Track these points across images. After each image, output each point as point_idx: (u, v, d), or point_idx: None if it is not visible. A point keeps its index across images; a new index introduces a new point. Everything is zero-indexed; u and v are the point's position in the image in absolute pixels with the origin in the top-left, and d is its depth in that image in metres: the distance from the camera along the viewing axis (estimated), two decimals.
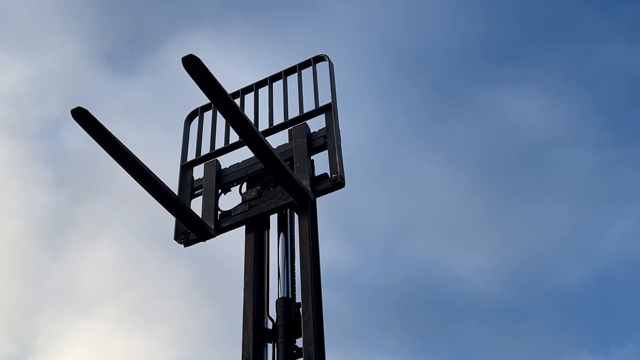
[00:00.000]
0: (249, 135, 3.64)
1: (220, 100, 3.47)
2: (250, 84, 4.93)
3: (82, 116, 3.51)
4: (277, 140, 4.60)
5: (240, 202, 4.33)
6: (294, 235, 4.19)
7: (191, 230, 4.18)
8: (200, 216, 4.33)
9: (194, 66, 3.31)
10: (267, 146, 3.70)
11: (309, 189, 4.04)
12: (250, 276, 4.00)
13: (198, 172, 4.74)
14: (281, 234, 4.22)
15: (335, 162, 4.10)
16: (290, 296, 3.91)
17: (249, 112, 4.79)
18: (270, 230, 4.31)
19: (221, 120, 4.86)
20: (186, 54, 3.27)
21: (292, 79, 4.81)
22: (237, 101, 4.91)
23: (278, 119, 4.61)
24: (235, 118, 3.57)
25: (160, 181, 3.86)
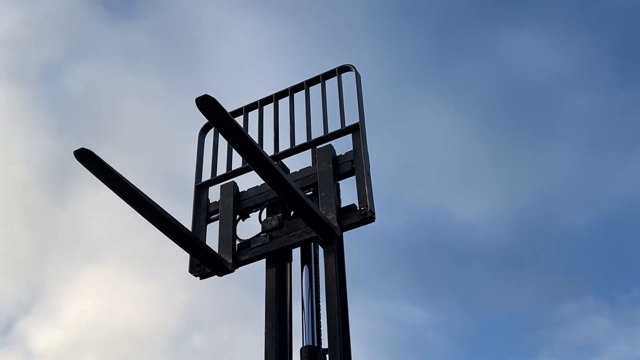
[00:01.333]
0: (274, 177, 3.29)
1: (241, 143, 3.10)
2: (268, 92, 4.55)
3: (86, 157, 3.16)
4: (296, 160, 4.26)
5: (260, 230, 3.99)
6: (318, 271, 3.85)
7: (208, 267, 3.86)
8: (218, 246, 4.00)
9: (209, 107, 2.94)
10: (293, 189, 3.34)
11: (336, 224, 3.69)
12: (272, 319, 3.68)
13: (213, 191, 4.40)
14: (305, 267, 3.89)
15: (365, 193, 3.74)
16: (315, 344, 3.59)
17: (268, 127, 4.43)
18: (293, 262, 3.99)
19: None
20: (201, 95, 2.91)
21: (315, 90, 4.43)
22: (255, 113, 4.53)
23: (299, 136, 4.24)
24: (259, 161, 3.21)
25: (173, 219, 3.53)
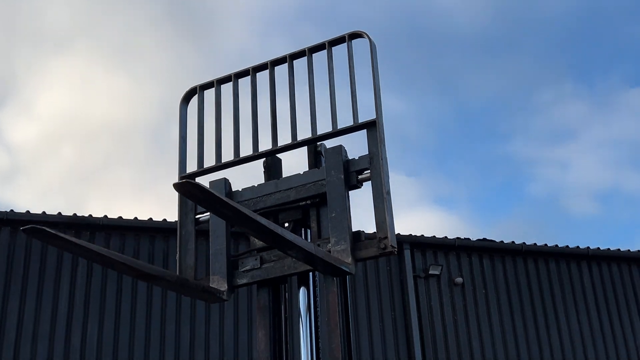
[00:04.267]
0: (283, 245, 2.66)
1: (233, 217, 2.45)
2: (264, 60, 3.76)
3: (38, 233, 2.50)
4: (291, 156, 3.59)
5: (249, 247, 3.41)
6: (316, 296, 3.32)
7: (200, 299, 3.31)
8: (210, 264, 3.43)
9: (191, 191, 2.26)
10: (305, 250, 2.73)
11: (349, 260, 3.09)
12: None
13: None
14: (302, 289, 3.34)
15: (384, 219, 3.10)
16: None
17: (262, 103, 3.69)
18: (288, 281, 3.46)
19: (228, 108, 3.77)
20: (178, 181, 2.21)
21: (320, 58, 3.64)
22: (247, 79, 3.77)
23: (299, 127, 3.53)
24: (254, 227, 2.56)
25: (153, 268, 2.96)
